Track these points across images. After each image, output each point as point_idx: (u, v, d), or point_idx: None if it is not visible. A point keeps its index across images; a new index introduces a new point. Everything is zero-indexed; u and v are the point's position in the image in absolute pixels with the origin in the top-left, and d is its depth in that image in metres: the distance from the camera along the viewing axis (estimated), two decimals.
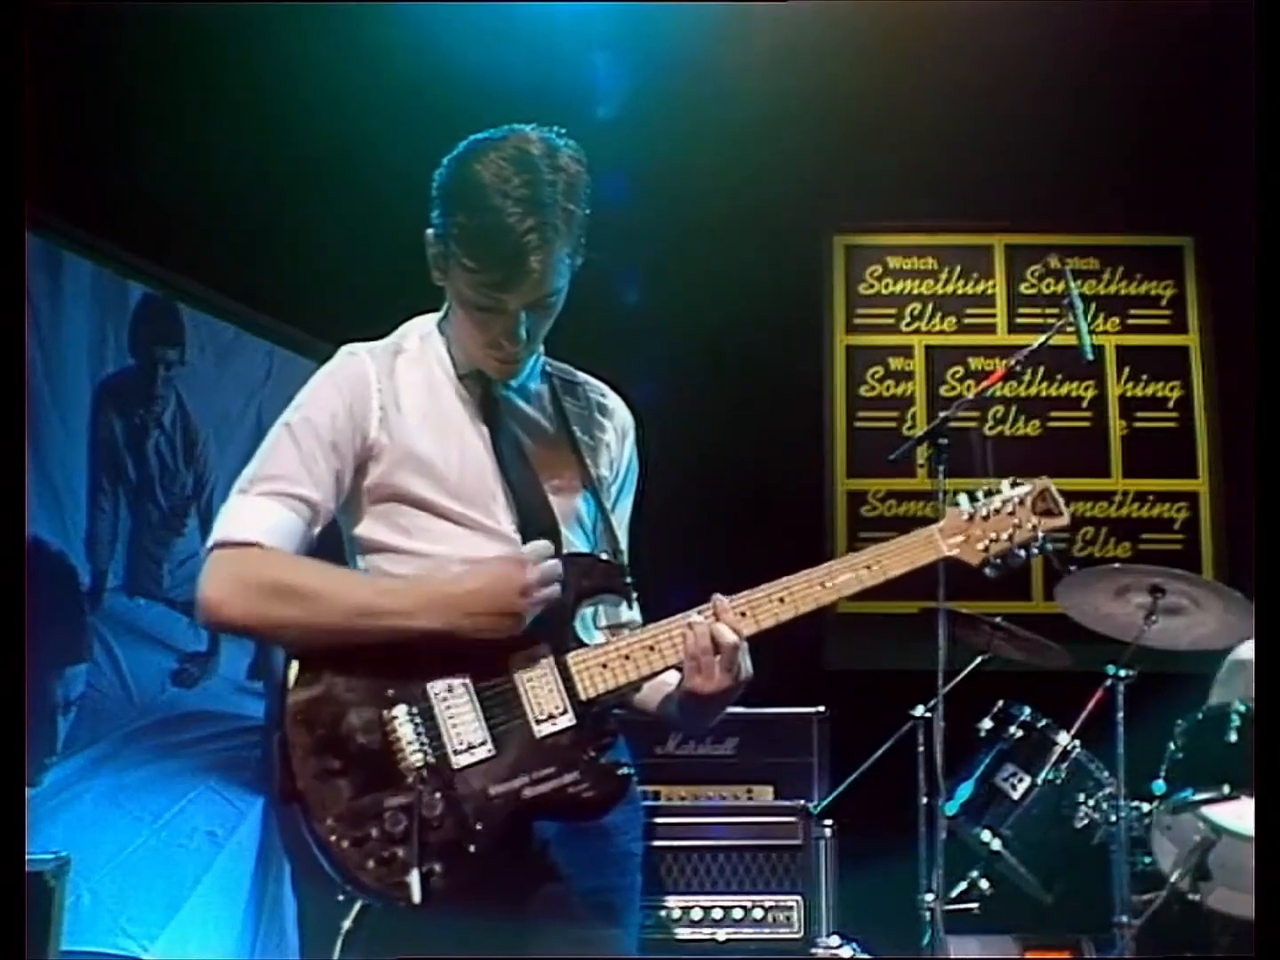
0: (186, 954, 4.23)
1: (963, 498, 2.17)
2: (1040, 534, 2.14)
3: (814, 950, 3.60)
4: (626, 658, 2.03)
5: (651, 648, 2.03)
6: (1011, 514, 2.14)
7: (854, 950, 3.61)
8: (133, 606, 4.28)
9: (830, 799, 3.85)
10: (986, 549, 2.13)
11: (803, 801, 3.75)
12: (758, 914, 3.61)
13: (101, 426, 4.25)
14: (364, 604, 1.97)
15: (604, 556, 2.17)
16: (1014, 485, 2.17)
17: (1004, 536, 2.13)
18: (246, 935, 4.51)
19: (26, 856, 2.87)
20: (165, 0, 4.15)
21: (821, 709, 3.90)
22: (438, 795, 1.91)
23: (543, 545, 2.02)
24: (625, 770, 2.00)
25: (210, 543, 2.02)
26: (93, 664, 4.12)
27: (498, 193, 1.98)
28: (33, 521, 3.88)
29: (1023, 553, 2.15)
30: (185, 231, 4.38)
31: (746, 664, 2.04)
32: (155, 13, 4.12)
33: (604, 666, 2.02)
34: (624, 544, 2.23)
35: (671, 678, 2.13)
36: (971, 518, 2.14)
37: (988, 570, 2.15)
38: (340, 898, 1.90)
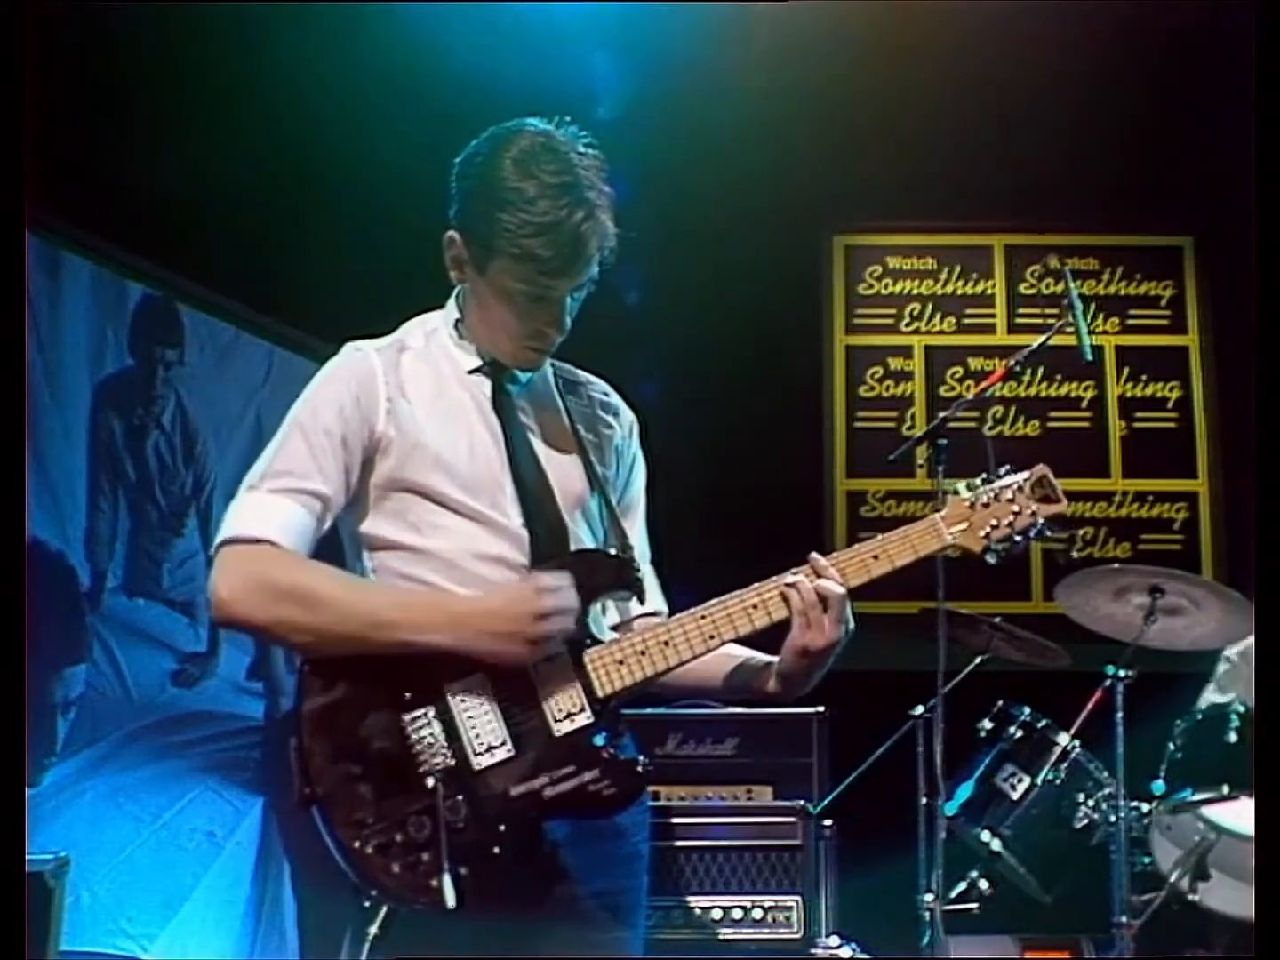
0: (186, 954, 4.23)
1: (961, 485, 2.18)
2: (1040, 520, 2.15)
3: (814, 950, 3.58)
4: (642, 653, 2.03)
5: (666, 643, 2.04)
6: (1011, 500, 2.15)
7: (854, 950, 3.60)
8: (132, 606, 4.28)
9: (830, 799, 3.84)
10: (988, 535, 2.14)
11: (802, 802, 3.73)
12: (757, 914, 3.60)
13: (101, 427, 4.24)
14: (379, 616, 1.96)
15: (613, 551, 2.16)
16: (1011, 473, 2.18)
17: (1004, 523, 2.14)
18: (246, 935, 4.50)
19: (26, 856, 2.87)
20: (165, 0, 4.15)
21: (821, 709, 3.88)
22: (460, 798, 1.91)
23: (558, 575, 1.99)
24: (644, 766, 2.00)
25: (220, 539, 2.00)
26: (92, 664, 4.11)
27: (542, 184, 1.99)
28: (32, 521, 3.87)
29: (1022, 539, 2.16)
30: (185, 231, 4.37)
31: (850, 617, 2.08)
32: (155, 13, 4.12)
33: (620, 663, 2.02)
34: (634, 539, 2.22)
35: (735, 650, 2.14)
36: (972, 505, 2.15)
37: (989, 557, 2.16)
38: (366, 904, 1.89)
